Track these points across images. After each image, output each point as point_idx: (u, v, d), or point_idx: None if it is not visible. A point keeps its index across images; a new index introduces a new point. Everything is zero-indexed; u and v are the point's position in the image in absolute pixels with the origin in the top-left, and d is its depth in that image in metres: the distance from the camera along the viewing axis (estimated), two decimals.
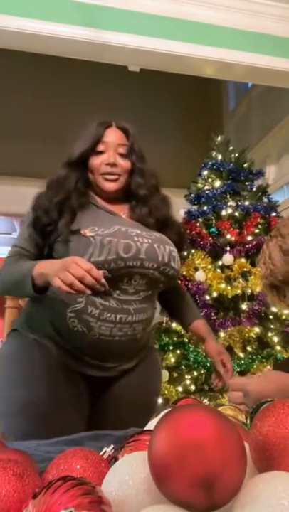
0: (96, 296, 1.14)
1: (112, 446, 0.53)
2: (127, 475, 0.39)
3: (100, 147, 1.29)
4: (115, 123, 1.35)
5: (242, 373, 2.42)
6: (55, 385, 1.18)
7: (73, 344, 1.19)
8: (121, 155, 1.30)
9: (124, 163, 1.30)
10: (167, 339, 2.66)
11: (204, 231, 2.84)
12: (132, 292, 1.19)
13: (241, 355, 2.46)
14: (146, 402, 1.29)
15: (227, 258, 2.67)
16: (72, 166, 1.29)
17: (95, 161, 1.29)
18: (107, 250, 1.13)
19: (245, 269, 2.67)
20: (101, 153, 1.29)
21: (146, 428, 0.52)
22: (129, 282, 1.18)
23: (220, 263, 2.73)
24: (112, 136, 1.31)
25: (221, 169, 3.02)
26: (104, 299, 1.16)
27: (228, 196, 2.92)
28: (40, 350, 1.20)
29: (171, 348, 2.63)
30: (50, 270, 1.03)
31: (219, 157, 3.07)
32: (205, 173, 3.08)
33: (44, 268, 1.08)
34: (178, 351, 2.62)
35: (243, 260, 2.69)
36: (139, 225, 1.27)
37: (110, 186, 1.29)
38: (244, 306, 2.60)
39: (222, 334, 2.52)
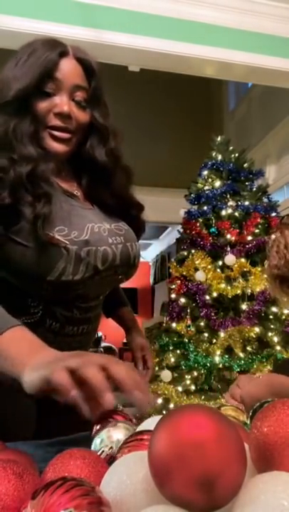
0: (55, 305, 0.86)
1: (109, 446, 0.53)
2: (125, 475, 0.39)
3: (50, 86, 0.87)
4: (73, 51, 0.94)
5: (242, 373, 2.42)
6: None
7: None
8: (78, 103, 0.90)
9: (81, 116, 0.90)
10: (167, 339, 2.66)
11: (204, 231, 2.85)
12: (93, 297, 0.92)
13: (241, 355, 2.46)
14: None
15: (229, 258, 2.67)
16: (8, 111, 0.84)
17: (41, 106, 0.87)
18: (85, 266, 0.84)
19: (245, 269, 2.68)
20: (49, 95, 0.87)
21: (145, 428, 0.52)
22: (95, 291, 0.92)
23: (220, 263, 2.73)
24: (69, 72, 0.89)
25: (221, 169, 3.02)
26: (67, 308, 0.88)
27: (228, 196, 2.92)
28: None
29: (171, 348, 2.63)
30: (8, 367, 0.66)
31: (219, 157, 3.08)
32: (205, 173, 3.08)
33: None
34: (178, 351, 2.62)
35: (243, 260, 2.69)
36: (100, 211, 0.95)
37: (59, 148, 0.89)
38: (244, 306, 2.60)
39: (222, 334, 2.52)
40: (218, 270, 2.73)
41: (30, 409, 0.88)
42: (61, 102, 0.87)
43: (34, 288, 0.84)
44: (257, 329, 2.50)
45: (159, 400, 2.48)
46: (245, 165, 3.07)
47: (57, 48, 0.93)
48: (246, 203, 2.88)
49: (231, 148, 3.16)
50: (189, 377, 2.52)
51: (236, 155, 3.09)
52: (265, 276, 2.51)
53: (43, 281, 0.81)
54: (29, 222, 0.79)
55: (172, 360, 2.59)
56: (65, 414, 0.85)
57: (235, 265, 2.67)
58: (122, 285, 1.08)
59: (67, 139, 0.89)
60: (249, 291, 2.62)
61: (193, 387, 2.49)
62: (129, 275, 0.98)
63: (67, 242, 0.82)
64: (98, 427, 0.58)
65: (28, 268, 0.81)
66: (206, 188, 3.01)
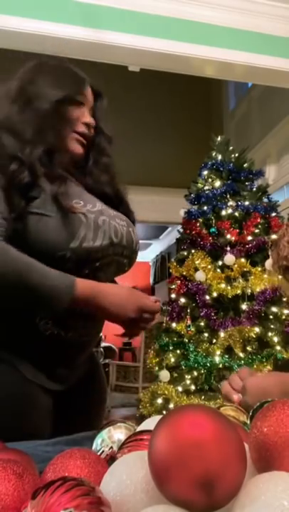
0: (64, 319, 0.93)
1: (110, 446, 0.53)
2: (125, 475, 0.39)
3: (81, 98, 1.03)
4: (90, 84, 1.08)
5: None
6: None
7: (38, 354, 0.94)
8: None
9: (92, 130, 1.07)
10: (167, 339, 2.66)
11: (204, 231, 2.85)
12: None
13: (241, 355, 2.46)
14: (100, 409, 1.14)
15: (228, 258, 2.67)
16: (42, 111, 0.96)
17: (73, 113, 1.01)
18: (102, 233, 0.92)
19: (245, 269, 2.68)
20: (80, 105, 1.03)
21: (145, 428, 0.52)
22: (105, 273, 0.98)
23: (220, 263, 2.73)
24: (90, 94, 1.07)
25: (221, 169, 3.02)
26: (74, 319, 0.94)
27: (228, 196, 2.92)
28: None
29: (171, 348, 2.63)
30: (116, 306, 0.86)
31: (219, 157, 3.08)
32: (205, 173, 3.08)
33: (101, 295, 0.86)
34: (178, 351, 2.62)
35: (243, 260, 2.69)
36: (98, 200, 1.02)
37: (79, 150, 1.03)
38: (244, 306, 2.60)
39: (222, 334, 2.52)
40: (218, 270, 2.73)
41: (48, 406, 0.96)
42: (88, 114, 1.04)
43: (57, 260, 0.88)
44: (257, 329, 2.50)
45: (159, 400, 2.48)
46: (245, 165, 3.07)
47: (79, 72, 1.08)
48: (246, 203, 2.88)
49: (231, 148, 3.16)
50: (189, 377, 2.52)
51: (236, 155, 3.09)
52: (268, 272, 2.52)
53: (67, 249, 0.89)
54: (51, 195, 0.89)
55: (172, 360, 2.59)
56: (74, 414, 0.98)
57: (235, 265, 2.67)
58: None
59: (85, 144, 1.04)
60: (249, 291, 2.61)
61: (193, 387, 2.49)
62: (132, 261, 1.05)
63: (84, 211, 0.92)
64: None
65: (52, 236, 0.88)
66: (206, 188, 3.01)
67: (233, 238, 2.76)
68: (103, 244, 0.92)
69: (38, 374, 0.93)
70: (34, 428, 0.90)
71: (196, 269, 2.73)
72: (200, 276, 2.68)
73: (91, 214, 0.92)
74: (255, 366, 2.40)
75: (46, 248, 0.88)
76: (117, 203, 1.08)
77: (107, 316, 0.92)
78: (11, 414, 0.89)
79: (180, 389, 2.48)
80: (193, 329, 2.60)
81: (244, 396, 0.75)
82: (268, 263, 2.55)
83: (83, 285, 0.86)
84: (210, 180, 3.03)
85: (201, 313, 2.62)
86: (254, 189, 3.01)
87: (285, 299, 2.53)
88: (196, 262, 2.74)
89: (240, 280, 2.66)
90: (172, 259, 3.19)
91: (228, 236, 2.76)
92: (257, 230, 2.79)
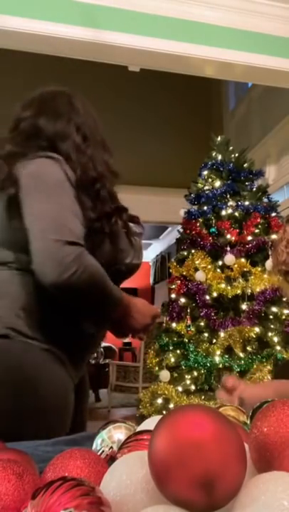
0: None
1: (110, 446, 0.53)
2: (125, 475, 0.39)
3: None
4: None
5: (242, 373, 2.42)
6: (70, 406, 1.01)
7: (74, 348, 1.02)
8: None
9: None
10: (167, 339, 2.66)
11: (204, 231, 2.85)
12: None
13: (241, 355, 2.46)
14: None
15: (228, 258, 2.67)
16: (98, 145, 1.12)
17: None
18: (139, 254, 1.09)
19: (245, 269, 2.68)
20: None
21: (145, 428, 0.52)
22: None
23: (220, 263, 2.73)
24: None
25: (221, 169, 3.02)
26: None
27: (228, 196, 2.92)
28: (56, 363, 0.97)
29: (171, 348, 2.63)
30: (139, 315, 1.02)
31: (219, 157, 3.08)
32: (205, 173, 3.08)
33: (131, 305, 1.02)
34: (178, 351, 2.62)
35: (243, 260, 2.69)
36: None
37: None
38: (244, 306, 2.60)
39: (222, 334, 2.52)
40: (218, 270, 2.73)
41: (72, 404, 1.02)
42: None
43: (112, 272, 1.01)
44: (257, 329, 2.50)
45: (159, 400, 2.48)
46: (245, 165, 3.07)
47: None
48: (246, 203, 2.88)
49: (231, 148, 3.16)
50: (189, 377, 2.52)
51: (236, 155, 3.09)
52: (268, 272, 2.52)
53: (123, 264, 1.05)
54: (121, 222, 1.06)
55: (172, 360, 2.59)
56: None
57: (235, 265, 2.67)
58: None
59: None
60: (249, 291, 2.61)
61: (193, 387, 2.49)
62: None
63: (142, 230, 1.12)
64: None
65: (113, 255, 1.03)
66: (206, 188, 3.01)
67: (233, 238, 2.76)
68: (138, 262, 1.08)
69: (73, 371, 1.02)
70: (68, 424, 0.98)
71: (196, 269, 2.73)
72: (200, 276, 2.68)
73: (137, 238, 1.09)
74: (255, 366, 2.40)
75: (107, 261, 1.00)
76: None
77: (132, 321, 1.04)
78: (64, 408, 0.97)
79: (180, 389, 2.48)
80: (193, 329, 2.60)
81: (242, 407, 0.75)
82: (268, 263, 2.55)
83: (124, 296, 1.01)
84: (210, 180, 3.03)
85: (201, 313, 2.62)
86: (254, 189, 3.01)
87: (285, 299, 2.53)
88: (196, 262, 2.74)
89: (240, 280, 2.66)
90: (172, 259, 3.19)
91: (228, 236, 2.76)
92: (257, 230, 2.79)
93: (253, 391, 0.76)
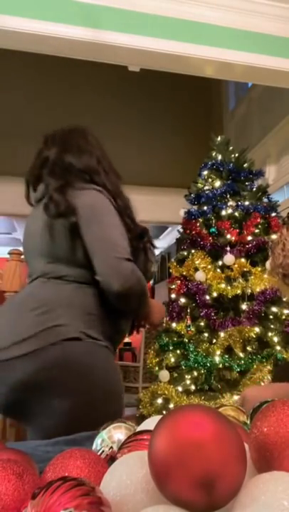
0: None
1: (110, 446, 0.53)
2: (125, 475, 0.39)
3: None
4: None
5: (242, 373, 2.42)
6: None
7: (114, 343, 1.25)
8: None
9: None
10: (167, 339, 2.66)
11: (204, 231, 2.84)
12: None
13: (241, 355, 2.46)
14: None
15: (228, 258, 2.67)
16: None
17: None
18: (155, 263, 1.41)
19: (245, 269, 2.67)
20: None
21: (145, 428, 0.52)
22: None
23: (220, 263, 2.73)
24: None
25: (221, 169, 3.02)
26: None
27: (228, 196, 2.92)
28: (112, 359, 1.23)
29: (171, 348, 2.63)
30: (157, 313, 1.31)
31: (219, 157, 3.08)
32: (205, 173, 3.08)
33: (152, 305, 1.29)
34: (178, 351, 2.62)
35: (243, 260, 2.69)
36: None
37: None
38: (244, 306, 2.60)
39: (222, 334, 2.52)
40: (218, 270, 2.73)
41: None
42: None
43: None
44: (257, 329, 2.50)
45: (159, 400, 2.48)
46: (245, 165, 3.06)
47: None
48: (246, 203, 2.88)
49: (231, 148, 3.16)
50: (189, 377, 2.52)
51: (236, 155, 3.09)
52: (268, 273, 2.51)
53: (150, 273, 1.31)
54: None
55: (172, 360, 2.59)
56: None
57: (235, 265, 2.67)
58: None
59: None
60: (249, 291, 2.61)
61: (193, 387, 2.49)
62: None
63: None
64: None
65: (145, 267, 1.27)
66: (206, 188, 3.00)
67: (233, 238, 2.76)
68: (156, 268, 1.35)
69: None
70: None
71: (196, 269, 2.73)
72: (200, 276, 2.68)
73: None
74: (255, 366, 2.40)
75: (141, 271, 1.21)
76: None
77: (153, 318, 1.29)
78: (123, 392, 1.20)
79: (180, 389, 2.48)
80: (193, 329, 2.59)
81: (243, 405, 0.75)
82: (268, 264, 2.55)
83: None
84: (210, 180, 3.03)
85: (201, 313, 2.62)
86: (254, 189, 3.01)
87: (285, 299, 2.53)
88: (196, 262, 2.74)
89: (240, 280, 2.66)
90: (172, 259, 3.19)
91: (228, 236, 2.76)
92: (257, 230, 2.79)
93: (254, 390, 0.77)
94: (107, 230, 1.16)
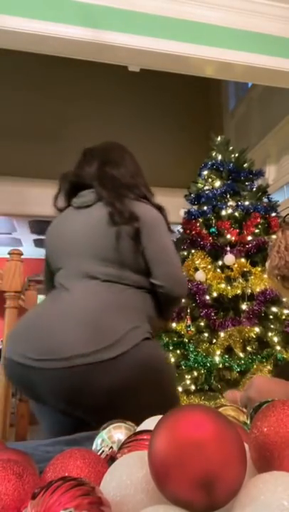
0: None
1: (110, 446, 0.53)
2: (125, 475, 0.39)
3: None
4: None
5: (242, 373, 2.42)
6: None
7: None
8: None
9: None
10: (167, 339, 2.66)
11: (204, 231, 2.84)
12: None
13: (241, 355, 2.46)
14: None
15: (228, 258, 2.67)
16: None
17: None
18: None
19: (245, 269, 2.67)
20: None
21: (145, 428, 0.52)
22: None
23: (220, 263, 2.73)
24: None
25: (221, 169, 3.02)
26: None
27: (228, 196, 2.92)
28: None
29: (171, 348, 2.63)
30: None
31: (219, 157, 3.07)
32: (205, 173, 3.08)
33: None
34: (178, 351, 2.62)
35: (243, 260, 2.69)
36: None
37: None
38: (244, 306, 2.60)
39: (222, 334, 2.52)
40: (218, 270, 2.73)
41: None
42: None
43: None
44: (257, 329, 2.50)
45: None
46: (245, 165, 3.06)
47: None
48: (246, 203, 2.87)
49: (231, 148, 3.16)
50: (189, 377, 2.52)
51: (236, 155, 3.09)
52: (266, 275, 2.52)
53: None
54: None
55: (172, 360, 2.59)
56: None
57: (235, 265, 2.67)
58: None
59: None
60: (249, 291, 2.61)
61: (193, 387, 2.49)
62: None
63: None
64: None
65: None
66: (206, 188, 3.00)
67: (233, 238, 2.76)
68: None
69: None
70: None
71: (196, 269, 2.73)
72: (200, 276, 2.68)
73: None
74: (255, 366, 2.40)
75: None
76: None
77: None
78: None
79: (180, 389, 2.48)
80: (193, 329, 2.59)
81: (248, 390, 0.75)
82: (267, 265, 2.55)
83: None
84: (210, 180, 3.03)
85: (201, 313, 2.62)
86: (254, 189, 3.01)
87: (284, 300, 2.53)
88: (196, 262, 2.74)
89: (240, 280, 2.66)
90: None
91: (228, 236, 2.76)
92: (257, 230, 2.79)
93: (263, 378, 0.77)
94: (167, 241, 1.29)
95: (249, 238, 2.75)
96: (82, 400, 1.09)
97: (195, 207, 3.01)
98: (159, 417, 0.40)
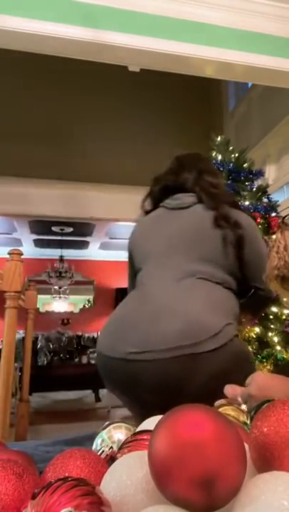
0: None
1: (110, 446, 0.53)
2: (125, 475, 0.39)
3: None
4: None
5: None
6: None
7: None
8: None
9: None
10: None
11: None
12: None
13: None
14: None
15: None
16: None
17: None
18: None
19: None
20: None
21: (145, 428, 0.52)
22: None
23: None
24: None
25: (221, 169, 3.01)
26: None
27: None
28: None
29: None
30: None
31: (219, 157, 3.07)
32: None
33: None
34: None
35: None
36: None
37: None
38: None
39: None
40: None
41: None
42: None
43: None
44: (257, 329, 2.50)
45: None
46: (245, 165, 3.06)
47: None
48: (246, 203, 2.87)
49: (231, 148, 3.16)
50: None
51: (236, 155, 3.09)
52: (265, 275, 2.51)
53: None
54: None
55: None
56: None
57: None
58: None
59: None
60: None
61: None
62: None
63: None
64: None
65: None
66: None
67: None
68: None
69: None
70: None
71: None
72: None
73: None
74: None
75: None
76: None
77: None
78: None
79: None
80: None
81: (249, 386, 0.75)
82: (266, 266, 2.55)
83: None
84: None
85: None
86: (254, 189, 3.01)
87: (285, 300, 2.52)
88: None
89: None
90: None
91: None
92: None
93: (264, 375, 0.77)
94: (263, 247, 1.38)
95: None
96: (183, 390, 1.15)
97: None
98: (159, 417, 0.40)
